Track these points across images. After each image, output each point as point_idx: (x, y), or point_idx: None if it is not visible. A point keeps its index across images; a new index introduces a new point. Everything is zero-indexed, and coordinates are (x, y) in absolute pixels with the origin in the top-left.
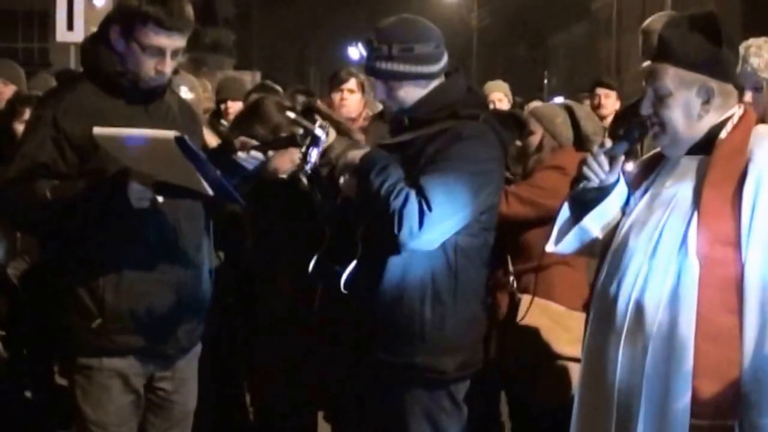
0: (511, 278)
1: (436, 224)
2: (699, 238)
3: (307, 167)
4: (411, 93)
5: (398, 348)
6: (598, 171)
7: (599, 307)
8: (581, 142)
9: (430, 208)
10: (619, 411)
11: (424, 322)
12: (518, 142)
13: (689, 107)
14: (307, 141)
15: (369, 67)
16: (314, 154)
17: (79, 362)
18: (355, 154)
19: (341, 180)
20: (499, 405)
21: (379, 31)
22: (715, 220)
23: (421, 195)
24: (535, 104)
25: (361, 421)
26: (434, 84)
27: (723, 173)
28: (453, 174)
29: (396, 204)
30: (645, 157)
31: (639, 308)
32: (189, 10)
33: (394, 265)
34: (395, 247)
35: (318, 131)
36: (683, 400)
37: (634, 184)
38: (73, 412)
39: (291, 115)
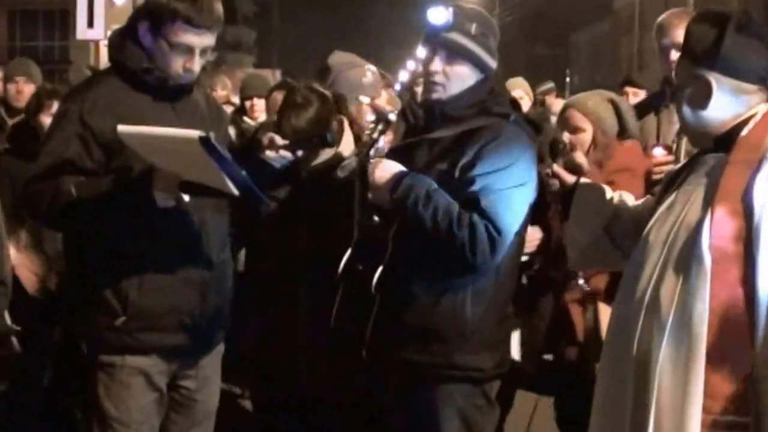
0: (581, 280)
1: (505, 244)
2: (711, 233)
3: (373, 152)
4: (464, 75)
5: (435, 347)
6: None
7: (620, 300)
8: (621, 135)
9: (498, 232)
10: (636, 403)
11: (465, 320)
12: (566, 138)
13: (693, 101)
14: (380, 126)
15: (446, 37)
16: (382, 139)
17: (102, 359)
18: (383, 176)
19: (369, 195)
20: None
21: (463, 9)
22: (728, 215)
23: (486, 219)
24: (577, 97)
25: (379, 421)
26: (477, 80)
27: (739, 169)
28: (508, 189)
29: (463, 235)
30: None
31: (655, 301)
32: (218, 8)
33: (431, 264)
34: (463, 271)
35: (391, 116)
36: (697, 394)
37: (673, 183)
38: (94, 409)
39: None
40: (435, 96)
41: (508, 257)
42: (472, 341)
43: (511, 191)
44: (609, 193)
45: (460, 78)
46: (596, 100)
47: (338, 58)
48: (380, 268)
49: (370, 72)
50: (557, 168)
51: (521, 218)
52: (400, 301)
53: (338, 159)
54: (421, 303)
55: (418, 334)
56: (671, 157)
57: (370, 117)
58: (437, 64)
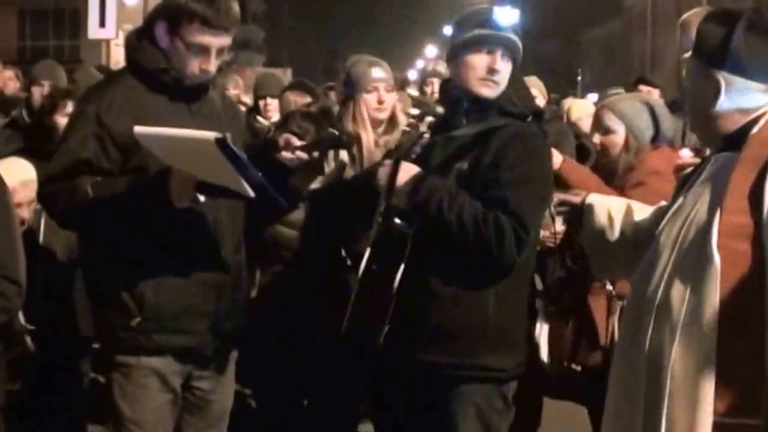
0: (608, 284)
1: (530, 242)
2: (720, 232)
3: (418, 148)
4: (509, 74)
5: (457, 347)
6: None
7: (631, 301)
8: (656, 139)
9: (526, 231)
10: (648, 404)
11: (488, 319)
12: (596, 140)
13: (701, 100)
14: (427, 119)
15: (510, 38)
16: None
17: (117, 360)
18: (401, 178)
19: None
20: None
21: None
22: (736, 213)
23: (514, 218)
24: (611, 98)
25: (391, 422)
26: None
27: (747, 167)
28: (534, 188)
29: (490, 234)
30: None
31: (665, 302)
32: (235, 8)
33: (453, 263)
34: (490, 270)
35: (439, 108)
36: (708, 395)
37: (688, 184)
38: (109, 409)
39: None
40: (491, 94)
41: (526, 257)
42: (494, 341)
43: (532, 189)
44: (617, 204)
45: (507, 77)
46: (631, 102)
47: (351, 58)
48: (401, 268)
49: (372, 64)
50: (560, 195)
51: (542, 216)
52: (421, 301)
53: (340, 172)
54: (444, 302)
55: (439, 334)
56: (698, 160)
57: (414, 111)
58: (501, 63)
